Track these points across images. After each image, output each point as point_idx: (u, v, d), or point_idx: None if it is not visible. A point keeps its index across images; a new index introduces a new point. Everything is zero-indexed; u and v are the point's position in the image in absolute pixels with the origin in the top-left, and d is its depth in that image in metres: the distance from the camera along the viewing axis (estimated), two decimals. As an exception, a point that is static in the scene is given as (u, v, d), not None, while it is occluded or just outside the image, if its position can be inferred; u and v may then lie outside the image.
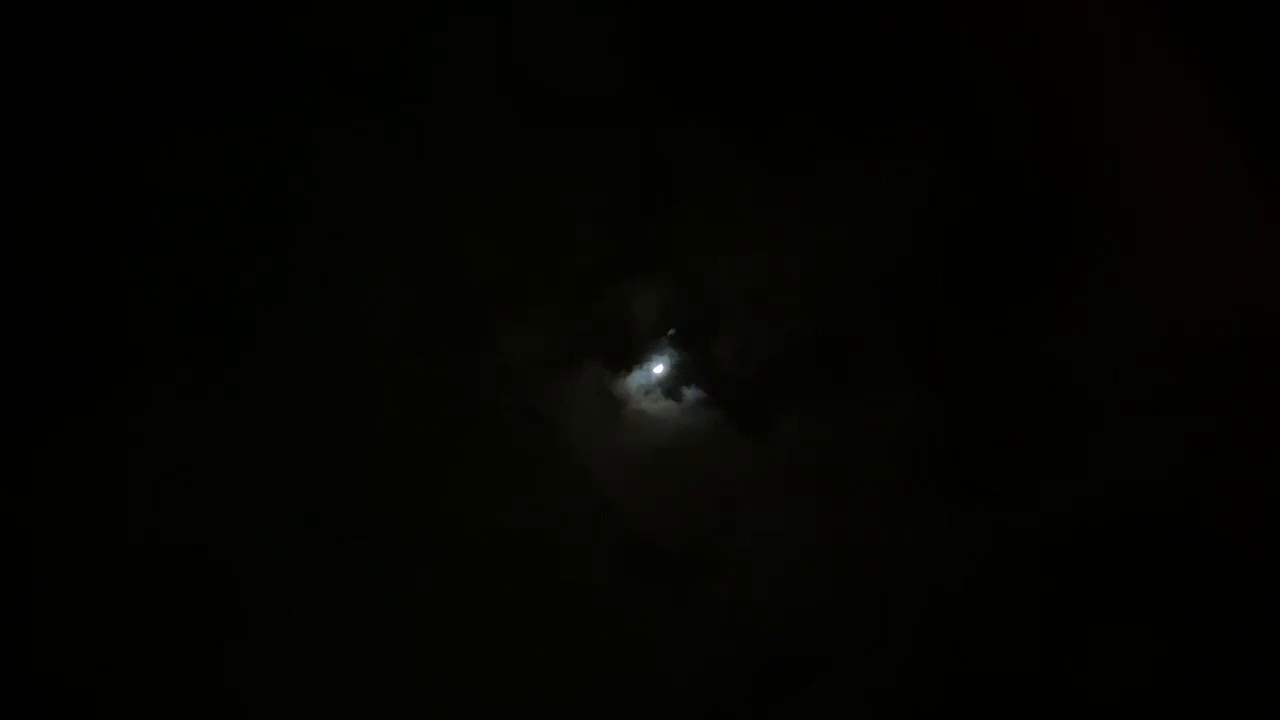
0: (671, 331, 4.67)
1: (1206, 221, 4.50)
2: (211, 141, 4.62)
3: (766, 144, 4.62)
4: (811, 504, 4.54)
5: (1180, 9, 4.51)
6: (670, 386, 4.66)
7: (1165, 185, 4.50)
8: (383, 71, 4.67)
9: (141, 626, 4.37)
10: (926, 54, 4.60)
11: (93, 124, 4.61)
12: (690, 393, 4.66)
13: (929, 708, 4.50)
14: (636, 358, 4.67)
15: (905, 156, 4.55)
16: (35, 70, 4.55)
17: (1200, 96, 4.52)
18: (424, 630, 4.45)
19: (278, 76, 4.57)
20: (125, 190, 4.60)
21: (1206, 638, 4.40)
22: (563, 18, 4.65)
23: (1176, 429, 4.40)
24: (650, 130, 4.66)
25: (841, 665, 4.47)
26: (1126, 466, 4.39)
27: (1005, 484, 4.44)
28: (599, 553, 4.51)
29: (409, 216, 4.66)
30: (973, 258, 4.55)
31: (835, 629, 4.49)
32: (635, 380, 4.66)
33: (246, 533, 4.46)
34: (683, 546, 4.54)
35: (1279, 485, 4.38)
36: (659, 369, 4.67)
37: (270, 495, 4.48)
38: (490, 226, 4.69)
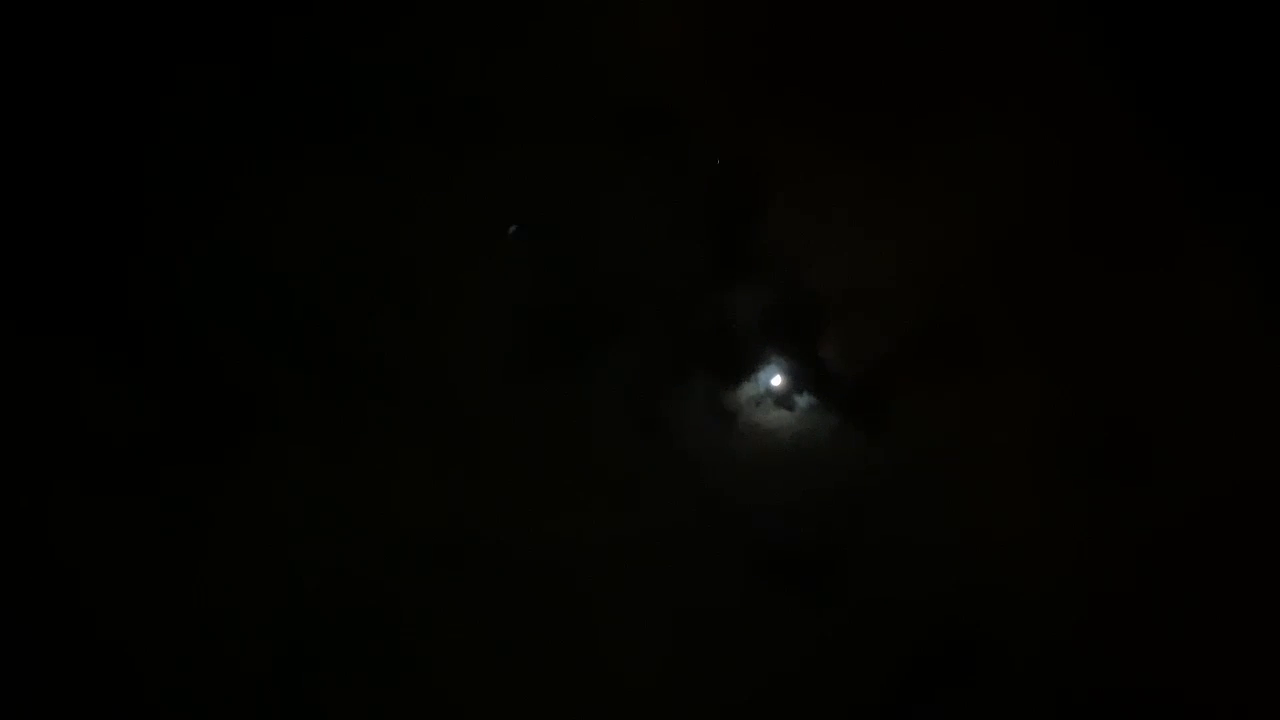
0: (775, 336, 4.57)
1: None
2: (314, 192, 4.67)
3: (856, 133, 4.51)
4: (940, 498, 4.37)
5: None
6: (781, 394, 4.54)
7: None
8: (464, 99, 4.67)
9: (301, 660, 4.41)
10: (1019, 26, 4.45)
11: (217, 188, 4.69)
12: (802, 399, 4.54)
13: (1087, 705, 4.28)
14: (743, 367, 4.57)
15: (1005, 131, 4.40)
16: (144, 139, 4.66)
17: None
18: (563, 649, 4.38)
19: (363, 116, 4.61)
20: (226, 248, 4.66)
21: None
22: (635, 30, 4.60)
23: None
24: (734, 132, 4.58)
25: (992, 662, 4.27)
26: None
27: (1152, 462, 4.21)
28: (730, 566, 4.39)
29: (510, 246, 4.65)
30: (1087, 227, 4.37)
31: (980, 624, 4.29)
32: (745, 390, 4.55)
33: (377, 567, 4.44)
34: (813, 552, 4.40)
35: None
36: (768, 376, 4.56)
37: (414, 529, 4.45)
38: (584, 246, 4.64)
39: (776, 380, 4.55)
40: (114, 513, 4.36)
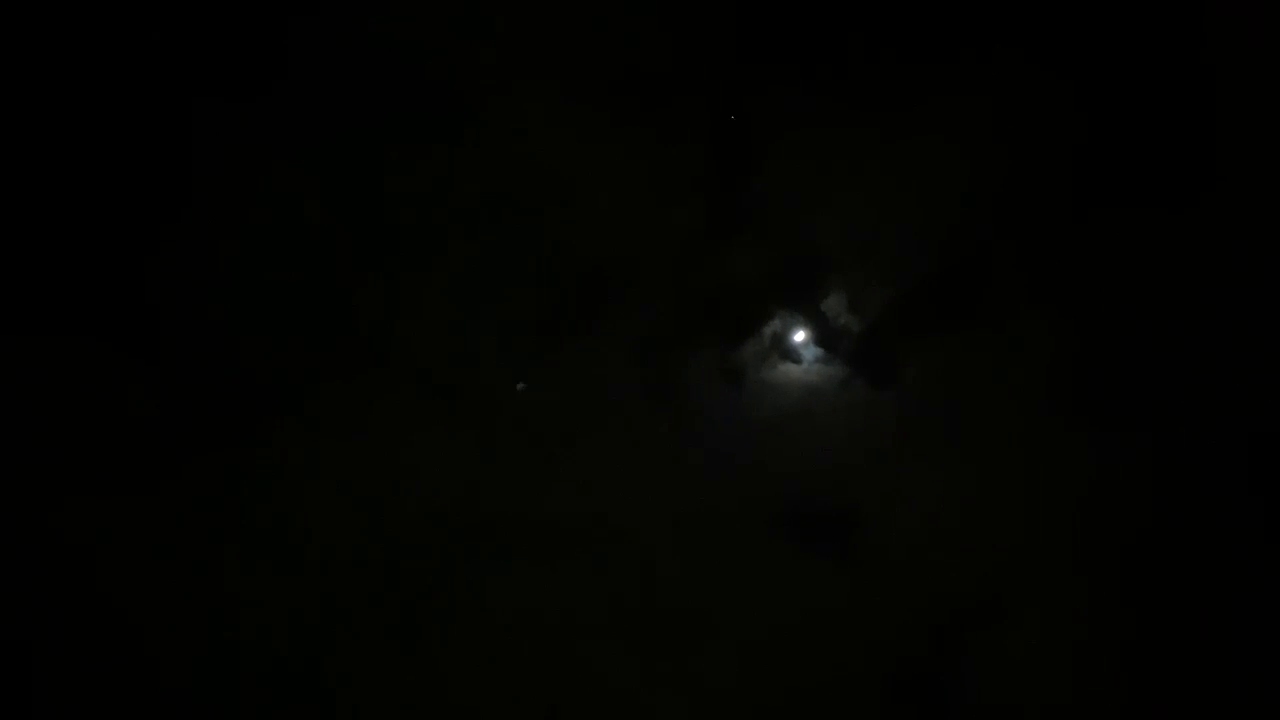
0: (778, 292, 4.58)
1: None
2: (313, 169, 4.63)
3: (854, 85, 4.47)
4: (955, 447, 4.41)
5: None
6: (787, 349, 4.57)
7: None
8: (459, 72, 4.60)
9: (323, 626, 4.49)
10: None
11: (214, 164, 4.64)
12: (808, 352, 4.57)
13: (1119, 648, 4.36)
14: (748, 324, 4.58)
15: (1006, 82, 4.36)
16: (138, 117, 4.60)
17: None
18: (592, 620, 4.45)
19: (359, 97, 4.55)
20: (226, 241, 4.64)
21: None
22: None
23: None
24: (731, 89, 4.53)
25: (1020, 613, 4.34)
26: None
27: (1161, 405, 4.26)
28: (752, 524, 4.45)
29: (501, 220, 4.62)
30: (1090, 176, 4.36)
31: (1005, 574, 4.36)
32: (751, 347, 4.58)
33: (414, 539, 4.48)
34: (832, 508, 4.45)
35: None
36: (772, 332, 4.58)
37: (435, 503, 4.50)
38: (586, 211, 4.61)
39: (782, 336, 4.57)
40: (134, 504, 4.39)
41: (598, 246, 4.57)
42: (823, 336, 4.55)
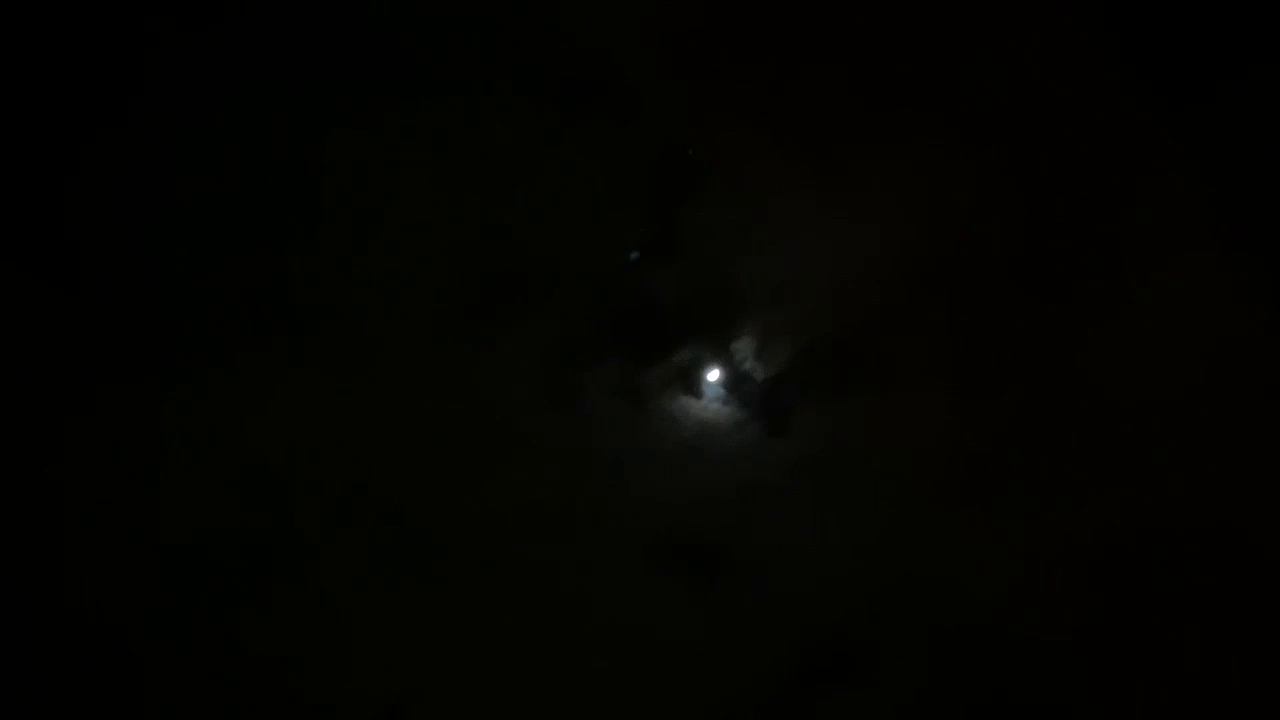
0: (693, 323, 4.58)
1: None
2: (243, 122, 4.61)
3: (797, 135, 4.46)
4: (837, 506, 4.45)
5: None
6: (692, 381, 4.58)
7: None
8: (416, 51, 4.59)
9: (176, 603, 4.53)
10: (966, 48, 4.35)
11: (124, 109, 4.63)
12: (711, 389, 4.58)
13: None
14: (659, 350, 4.59)
15: (944, 153, 4.35)
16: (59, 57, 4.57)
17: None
18: (447, 618, 4.49)
19: (308, 58, 4.52)
20: (158, 171, 4.63)
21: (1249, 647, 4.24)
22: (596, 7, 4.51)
23: (1213, 440, 4.18)
24: (679, 118, 4.51)
25: (867, 675, 4.42)
26: (1160, 480, 4.20)
27: (1042, 494, 4.31)
28: (622, 548, 4.49)
29: (438, 199, 4.62)
30: (1010, 258, 4.36)
31: (861, 636, 4.44)
32: (657, 373, 4.59)
33: (280, 514, 4.53)
34: (706, 546, 4.50)
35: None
36: (680, 362, 4.59)
37: (302, 477, 4.54)
38: (518, 210, 4.61)
39: (688, 368, 4.58)
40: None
41: (527, 243, 4.57)
42: (727, 376, 4.57)
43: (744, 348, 4.56)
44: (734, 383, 4.57)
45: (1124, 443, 4.26)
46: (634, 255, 4.60)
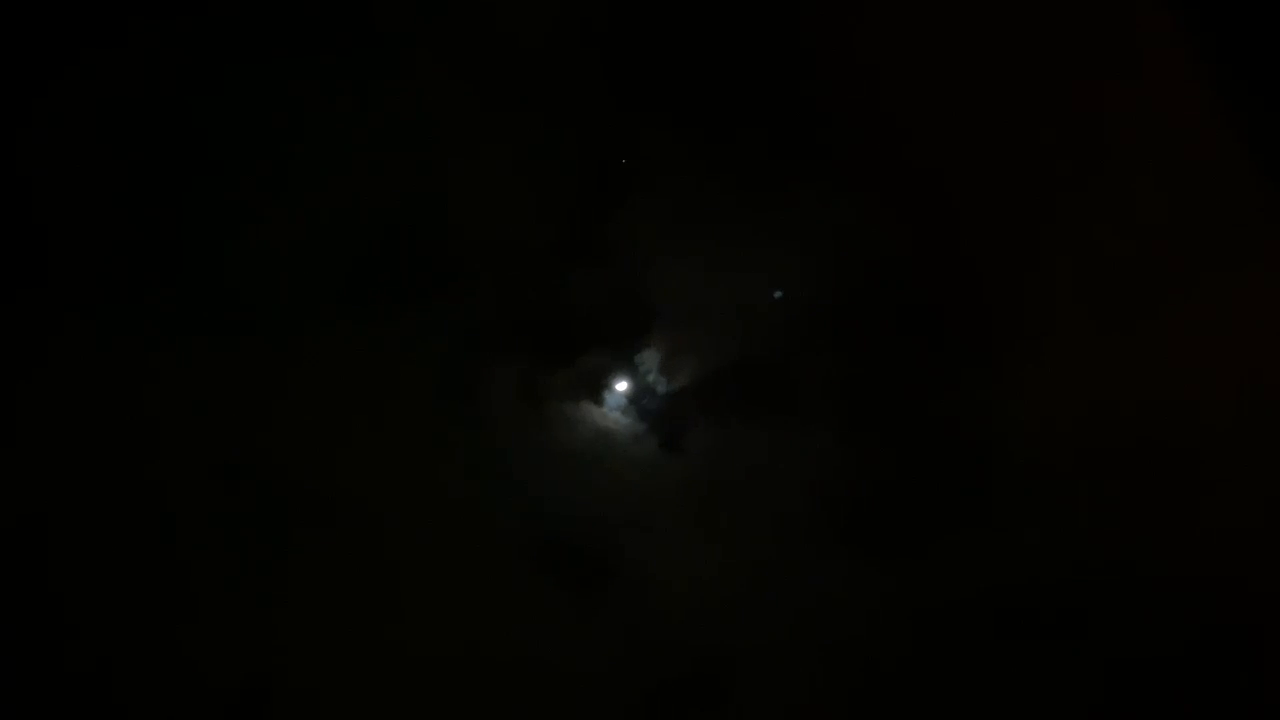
0: (602, 330, 4.58)
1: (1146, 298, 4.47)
2: (153, 59, 4.46)
3: (729, 158, 4.54)
4: (720, 529, 4.48)
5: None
6: (593, 389, 4.57)
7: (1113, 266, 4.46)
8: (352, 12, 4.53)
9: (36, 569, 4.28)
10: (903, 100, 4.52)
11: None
12: (613, 398, 4.58)
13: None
14: (565, 352, 4.57)
15: (870, 198, 4.48)
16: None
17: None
18: (315, 600, 4.35)
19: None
20: (46, 121, 4.42)
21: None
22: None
23: (1088, 505, 4.38)
24: (612, 126, 4.54)
25: (734, 699, 4.42)
26: (1034, 539, 4.37)
27: (913, 545, 4.41)
28: (506, 548, 4.41)
29: (356, 169, 4.53)
30: (917, 313, 4.50)
31: (731, 661, 4.43)
32: (560, 376, 4.56)
33: (151, 481, 4.34)
34: (590, 554, 4.46)
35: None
36: (586, 367, 4.58)
37: (178, 446, 4.36)
38: (437, 194, 4.55)
39: (591, 375, 4.57)
40: None
41: (442, 226, 4.50)
42: (630, 387, 4.57)
43: (649, 361, 4.58)
44: (636, 394, 4.58)
45: (995, 495, 4.43)
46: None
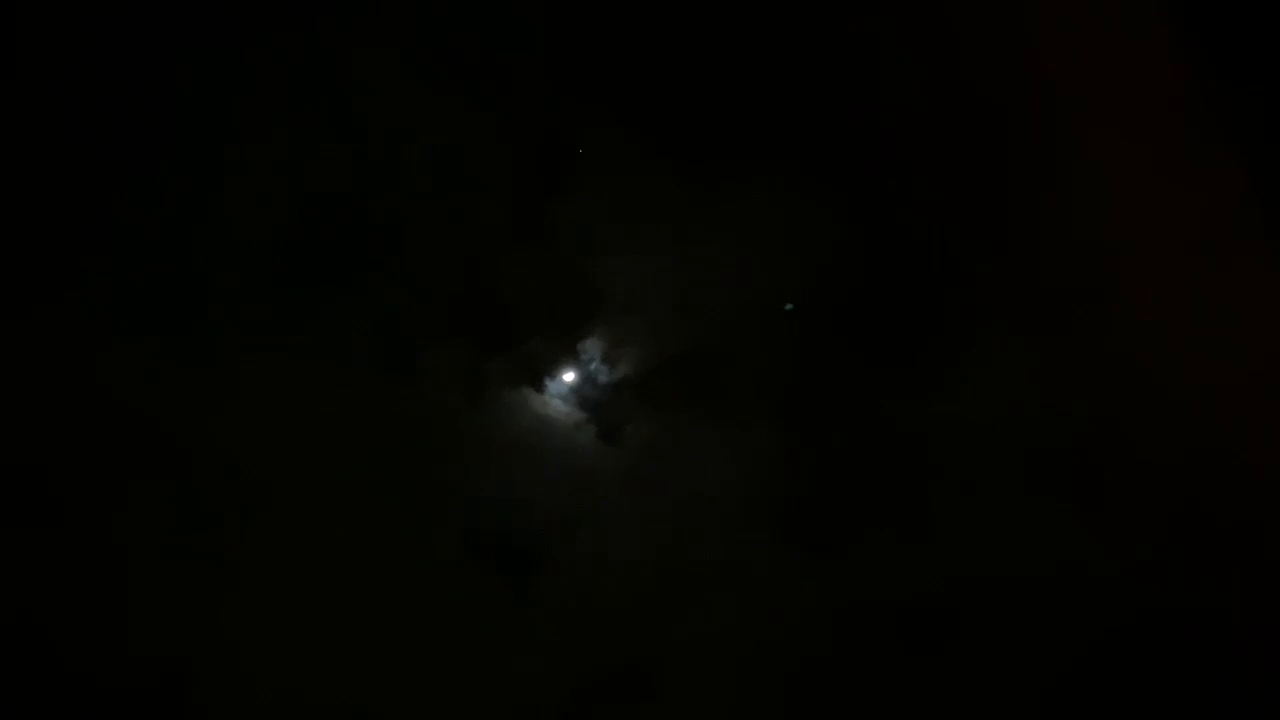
0: (545, 317, 4.56)
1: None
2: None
3: (677, 149, 4.54)
4: (656, 523, 4.48)
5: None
6: (534, 375, 4.55)
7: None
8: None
9: None
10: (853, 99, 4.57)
11: None
12: (555, 386, 4.57)
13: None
14: (506, 337, 4.54)
15: (817, 196, 4.52)
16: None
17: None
18: (242, 582, 4.27)
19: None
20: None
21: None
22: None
23: (1018, 507, 4.44)
24: (560, 114, 4.54)
25: (662, 686, 4.40)
26: (966, 539, 4.43)
27: (847, 543, 4.43)
28: (441, 537, 4.37)
29: (295, 155, 4.46)
30: (861, 315, 4.55)
31: (662, 649, 4.42)
32: (502, 361, 4.53)
33: (76, 450, 4.25)
34: (526, 541, 4.43)
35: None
36: (527, 354, 4.55)
37: (104, 418, 4.27)
38: (378, 180, 4.50)
39: (533, 361, 4.55)
40: None
41: (386, 210, 4.46)
42: (571, 375, 4.56)
43: (592, 349, 4.58)
44: (577, 383, 4.56)
45: (928, 498, 4.49)
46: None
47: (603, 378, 4.56)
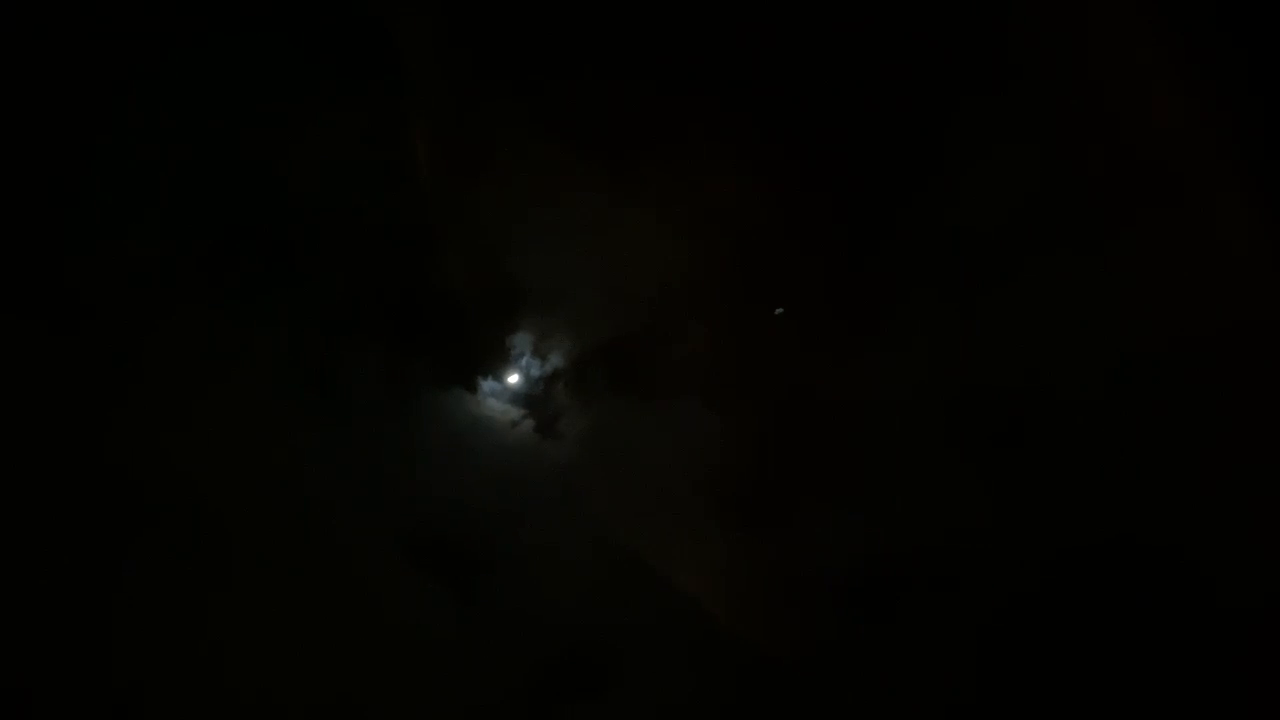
0: (471, 314, 4.49)
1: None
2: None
3: (595, 136, 4.48)
4: (596, 511, 4.46)
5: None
6: (464, 374, 4.49)
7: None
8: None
9: None
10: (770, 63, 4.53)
11: None
12: (487, 384, 4.51)
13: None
14: (432, 337, 4.46)
15: (733, 174, 4.50)
16: None
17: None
18: (174, 600, 4.14)
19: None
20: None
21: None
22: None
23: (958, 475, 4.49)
24: (471, 100, 4.45)
25: (621, 672, 4.38)
26: (906, 510, 4.47)
27: (788, 515, 4.44)
28: (378, 542, 4.29)
29: (204, 152, 4.32)
30: (790, 288, 4.55)
31: (616, 635, 4.40)
32: (428, 361, 4.45)
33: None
34: (466, 543, 4.36)
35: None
36: (455, 353, 4.48)
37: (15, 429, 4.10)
38: (287, 175, 4.35)
39: (462, 359, 4.48)
40: None
41: (296, 206, 4.32)
42: (501, 372, 4.51)
43: (521, 344, 4.52)
44: (509, 379, 4.51)
45: (863, 465, 4.53)
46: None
47: (534, 371, 4.52)
